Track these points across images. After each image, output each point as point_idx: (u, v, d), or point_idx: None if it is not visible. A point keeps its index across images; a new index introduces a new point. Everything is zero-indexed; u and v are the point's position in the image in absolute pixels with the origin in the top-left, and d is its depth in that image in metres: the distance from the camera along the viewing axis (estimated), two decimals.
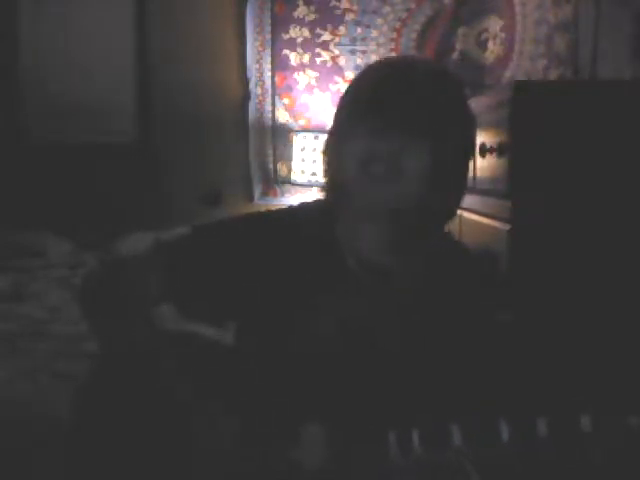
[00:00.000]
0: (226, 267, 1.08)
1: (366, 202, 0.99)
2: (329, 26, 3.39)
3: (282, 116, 3.45)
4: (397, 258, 1.06)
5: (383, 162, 0.97)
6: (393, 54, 3.36)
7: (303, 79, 3.43)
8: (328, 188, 1.08)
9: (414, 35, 3.36)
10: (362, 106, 1.00)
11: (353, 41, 3.39)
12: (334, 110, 1.08)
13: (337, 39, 3.39)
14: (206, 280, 1.08)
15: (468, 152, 1.05)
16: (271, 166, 3.50)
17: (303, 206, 1.19)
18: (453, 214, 1.06)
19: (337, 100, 1.09)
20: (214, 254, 1.08)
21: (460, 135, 1.01)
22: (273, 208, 1.20)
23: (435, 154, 0.96)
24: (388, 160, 0.96)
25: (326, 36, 3.40)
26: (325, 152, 1.09)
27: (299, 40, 3.41)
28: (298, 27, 3.40)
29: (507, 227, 1.60)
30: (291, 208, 1.20)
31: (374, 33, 3.38)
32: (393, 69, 1.04)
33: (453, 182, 1.01)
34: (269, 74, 3.44)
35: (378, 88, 0.99)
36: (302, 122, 3.43)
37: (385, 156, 0.96)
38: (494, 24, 3.11)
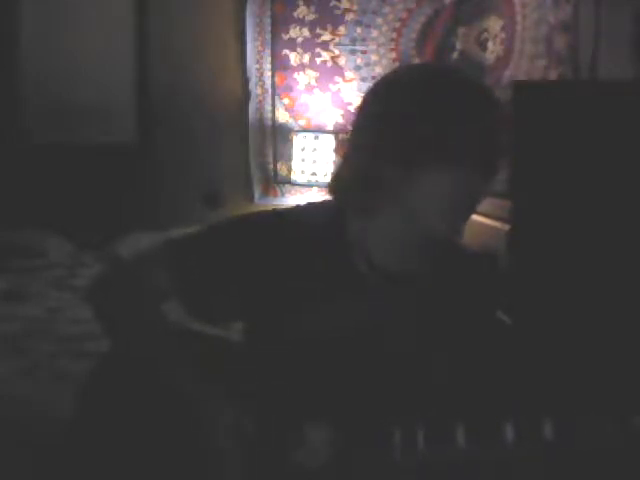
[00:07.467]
0: (235, 266, 1.08)
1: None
2: (329, 26, 3.39)
3: (282, 116, 3.45)
4: (410, 261, 1.07)
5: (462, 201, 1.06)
6: (393, 54, 3.36)
7: (303, 79, 3.42)
8: (364, 189, 1.08)
9: (414, 35, 3.36)
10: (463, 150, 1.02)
11: (353, 41, 3.39)
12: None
13: (337, 39, 3.39)
14: (215, 279, 1.08)
15: None
16: (271, 166, 3.49)
17: (312, 206, 1.18)
18: None
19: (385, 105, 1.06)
20: (223, 253, 1.08)
21: None
22: (277, 208, 1.17)
23: None
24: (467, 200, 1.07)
25: (326, 36, 3.40)
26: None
27: (299, 40, 3.41)
28: (298, 27, 3.40)
29: (507, 227, 1.61)
30: (299, 208, 1.18)
31: (374, 33, 3.38)
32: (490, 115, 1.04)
33: None
34: (269, 74, 3.44)
35: (482, 142, 1.02)
36: (302, 122, 3.43)
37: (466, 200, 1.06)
38: (494, 24, 3.10)
